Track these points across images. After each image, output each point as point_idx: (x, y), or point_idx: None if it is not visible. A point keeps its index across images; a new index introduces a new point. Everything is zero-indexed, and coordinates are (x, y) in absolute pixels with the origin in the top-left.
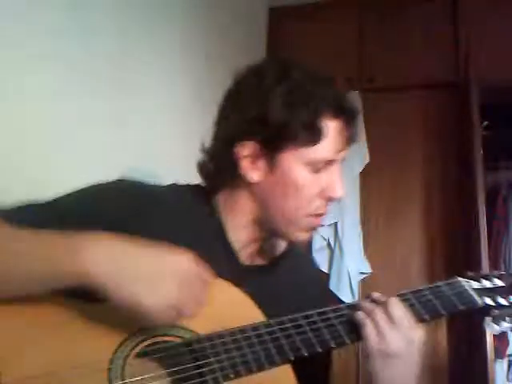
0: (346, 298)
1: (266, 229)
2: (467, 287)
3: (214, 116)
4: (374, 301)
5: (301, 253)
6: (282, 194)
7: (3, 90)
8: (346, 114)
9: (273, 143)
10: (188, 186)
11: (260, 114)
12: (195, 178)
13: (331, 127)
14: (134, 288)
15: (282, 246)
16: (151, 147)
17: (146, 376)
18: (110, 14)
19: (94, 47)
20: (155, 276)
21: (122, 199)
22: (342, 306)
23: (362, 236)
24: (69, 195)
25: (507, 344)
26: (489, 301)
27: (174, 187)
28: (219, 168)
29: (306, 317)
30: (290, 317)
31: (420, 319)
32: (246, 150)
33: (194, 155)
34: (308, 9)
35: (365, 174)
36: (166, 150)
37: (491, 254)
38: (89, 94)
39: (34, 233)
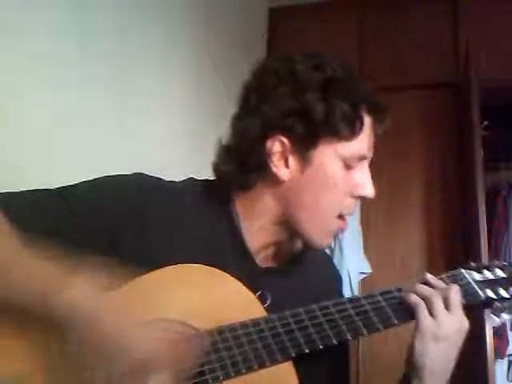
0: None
1: (289, 231)
2: (470, 280)
3: (215, 115)
4: (429, 284)
5: (319, 253)
6: (313, 192)
7: (3, 90)
8: (379, 109)
9: (309, 137)
10: (206, 182)
11: (297, 106)
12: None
13: (367, 122)
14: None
15: (298, 247)
16: (151, 147)
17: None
18: (109, 14)
19: (93, 47)
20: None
21: (136, 194)
22: (367, 295)
23: (361, 236)
24: (83, 183)
25: (507, 344)
26: (490, 293)
27: (191, 184)
28: (245, 166)
29: (321, 308)
30: (315, 306)
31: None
32: (278, 145)
33: (194, 155)
34: (308, 9)
35: None
36: (166, 150)
37: (491, 253)
38: (88, 94)
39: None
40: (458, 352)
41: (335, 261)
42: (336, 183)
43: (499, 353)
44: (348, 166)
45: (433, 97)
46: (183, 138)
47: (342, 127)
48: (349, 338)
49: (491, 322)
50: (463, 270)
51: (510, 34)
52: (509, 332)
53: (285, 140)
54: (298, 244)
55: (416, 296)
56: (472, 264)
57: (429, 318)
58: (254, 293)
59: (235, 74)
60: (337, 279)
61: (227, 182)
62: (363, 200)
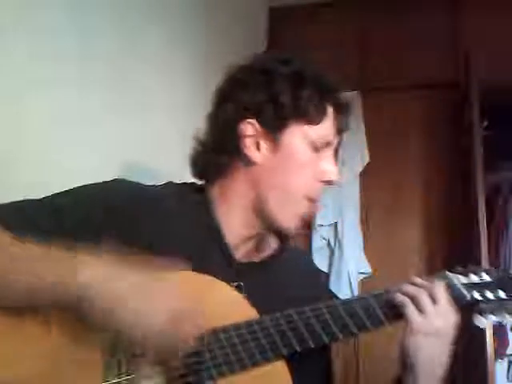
0: (346, 298)
1: (261, 216)
2: (456, 281)
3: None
4: (414, 284)
5: (297, 250)
6: (282, 172)
7: (2, 90)
8: (341, 102)
9: (278, 119)
10: (184, 184)
11: (267, 92)
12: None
13: (330, 110)
14: (124, 312)
15: (273, 244)
16: (150, 147)
17: (142, 373)
18: (108, 14)
19: (92, 47)
20: (148, 304)
21: (118, 199)
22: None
23: (362, 236)
24: (66, 193)
25: (507, 344)
26: (477, 295)
27: (170, 187)
28: (217, 150)
29: (300, 312)
30: (311, 307)
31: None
32: (250, 129)
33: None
34: (308, 9)
35: (365, 174)
36: (166, 149)
37: (491, 253)
38: (88, 94)
39: (28, 247)
40: (451, 346)
41: (335, 261)
42: (304, 164)
43: (499, 353)
44: (316, 149)
45: (433, 97)
46: (183, 138)
47: (309, 109)
48: (340, 337)
49: (478, 322)
50: (449, 273)
51: (510, 34)
52: (509, 332)
53: (256, 123)
54: (275, 238)
55: (402, 295)
56: (458, 268)
57: (417, 314)
58: (230, 283)
59: None
60: (317, 274)
61: (203, 173)
62: (329, 185)
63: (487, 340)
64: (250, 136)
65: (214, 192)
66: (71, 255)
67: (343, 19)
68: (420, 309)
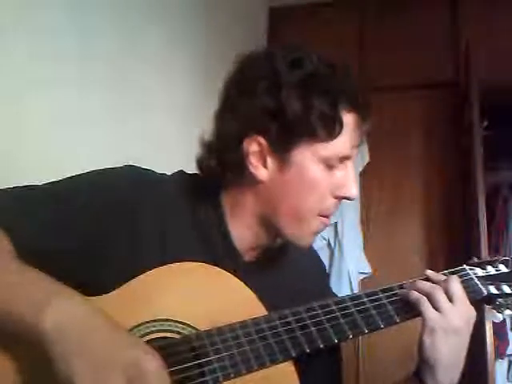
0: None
1: (272, 231)
2: (472, 276)
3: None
4: (428, 279)
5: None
6: (294, 193)
7: (2, 90)
8: (362, 107)
9: (286, 138)
10: (195, 176)
11: (273, 105)
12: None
13: (348, 120)
14: (78, 369)
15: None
16: (150, 147)
17: None
18: (108, 14)
19: (92, 47)
20: (107, 363)
21: (125, 186)
22: (385, 288)
23: (362, 236)
24: (69, 179)
25: (507, 344)
26: (493, 289)
27: (181, 178)
28: (223, 165)
29: (308, 310)
30: (319, 303)
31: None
32: (255, 146)
33: (194, 155)
34: (308, 9)
35: (365, 174)
36: (166, 150)
37: (491, 253)
38: (88, 94)
39: (5, 268)
40: (468, 342)
41: (335, 261)
42: (315, 185)
43: (499, 353)
44: (329, 167)
45: (433, 97)
46: (183, 138)
47: (319, 128)
48: (350, 336)
49: (493, 317)
50: (466, 267)
51: (510, 33)
52: (509, 332)
53: (262, 140)
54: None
55: (417, 292)
56: (475, 260)
57: (434, 312)
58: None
59: None
60: (323, 273)
61: (210, 180)
62: (347, 200)
63: (487, 340)
64: (255, 153)
65: (226, 199)
66: (49, 284)
67: (343, 19)
68: (436, 306)
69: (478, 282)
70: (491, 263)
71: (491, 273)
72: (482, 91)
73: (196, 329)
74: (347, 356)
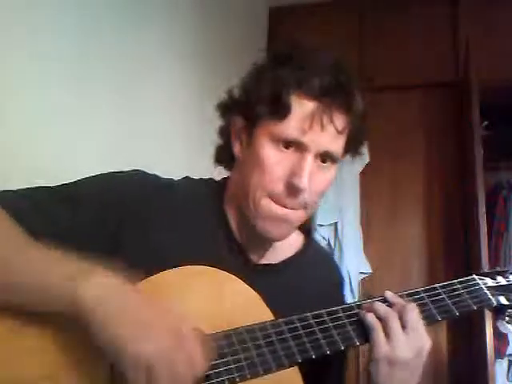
0: (346, 298)
1: (241, 214)
2: (482, 285)
3: (215, 115)
4: (387, 302)
5: (322, 252)
6: (249, 170)
7: (2, 90)
8: (325, 99)
9: (250, 117)
10: (201, 180)
11: (247, 89)
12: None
13: (302, 107)
14: (122, 330)
15: (297, 244)
16: (151, 147)
17: None
18: (109, 13)
19: (93, 47)
20: (150, 324)
21: (135, 189)
22: (352, 304)
23: (362, 236)
24: (81, 182)
25: (507, 344)
26: (503, 300)
27: (188, 182)
28: (223, 141)
29: (316, 316)
30: (299, 316)
31: (432, 321)
32: (235, 124)
33: (194, 155)
34: (308, 9)
35: (365, 174)
36: (166, 149)
37: (491, 253)
38: (88, 94)
39: (38, 247)
40: (420, 377)
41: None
42: (263, 161)
43: (499, 353)
44: (280, 148)
45: (433, 97)
46: (183, 138)
47: (263, 108)
48: (357, 343)
49: (504, 328)
50: (475, 276)
51: (510, 34)
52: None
53: (239, 118)
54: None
55: (373, 316)
56: (485, 270)
57: (384, 341)
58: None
59: (235, 73)
60: (338, 284)
61: (220, 164)
62: (296, 191)
63: (487, 340)
64: (234, 131)
65: (228, 192)
66: (81, 261)
67: (343, 19)
68: (388, 336)
69: (487, 292)
70: (501, 273)
71: (502, 283)
72: (482, 91)
73: (203, 333)
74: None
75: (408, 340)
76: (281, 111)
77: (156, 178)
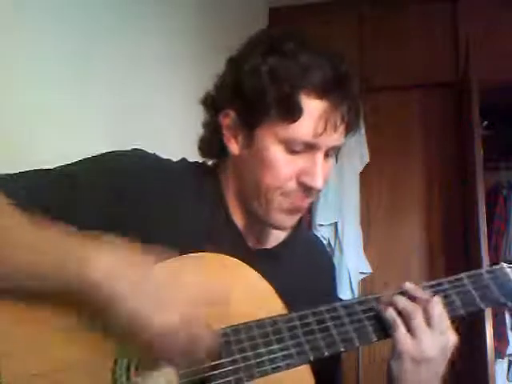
0: (346, 297)
1: (249, 208)
2: (511, 275)
3: None
4: (407, 295)
5: (310, 235)
6: (255, 169)
7: (2, 90)
8: (334, 95)
9: (249, 116)
10: (197, 163)
11: (237, 82)
12: None
13: (312, 107)
14: (144, 302)
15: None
16: (151, 146)
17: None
18: (109, 13)
19: (93, 46)
20: (168, 296)
21: (136, 166)
22: (369, 297)
23: (362, 236)
24: (81, 162)
25: (507, 344)
26: None
27: (185, 164)
28: (211, 136)
29: (329, 310)
30: (313, 310)
31: (457, 315)
32: (227, 120)
33: (194, 154)
34: (308, 9)
35: (365, 174)
36: (166, 149)
37: (491, 253)
38: (88, 93)
39: (42, 226)
40: (444, 371)
41: (335, 261)
42: (273, 164)
43: (499, 353)
44: (292, 151)
45: (433, 97)
46: (183, 138)
47: (274, 109)
48: (375, 340)
49: None
50: (505, 264)
51: (510, 34)
52: (509, 332)
53: (233, 114)
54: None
55: (392, 310)
56: None
57: (407, 337)
58: None
59: None
60: (330, 267)
61: (208, 154)
62: (311, 191)
63: (487, 340)
64: (227, 126)
65: (224, 179)
66: (85, 238)
67: (342, 19)
68: (412, 332)
69: None
70: None
71: None
72: (482, 91)
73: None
74: (347, 357)
75: (433, 336)
76: (291, 113)
77: (156, 156)
